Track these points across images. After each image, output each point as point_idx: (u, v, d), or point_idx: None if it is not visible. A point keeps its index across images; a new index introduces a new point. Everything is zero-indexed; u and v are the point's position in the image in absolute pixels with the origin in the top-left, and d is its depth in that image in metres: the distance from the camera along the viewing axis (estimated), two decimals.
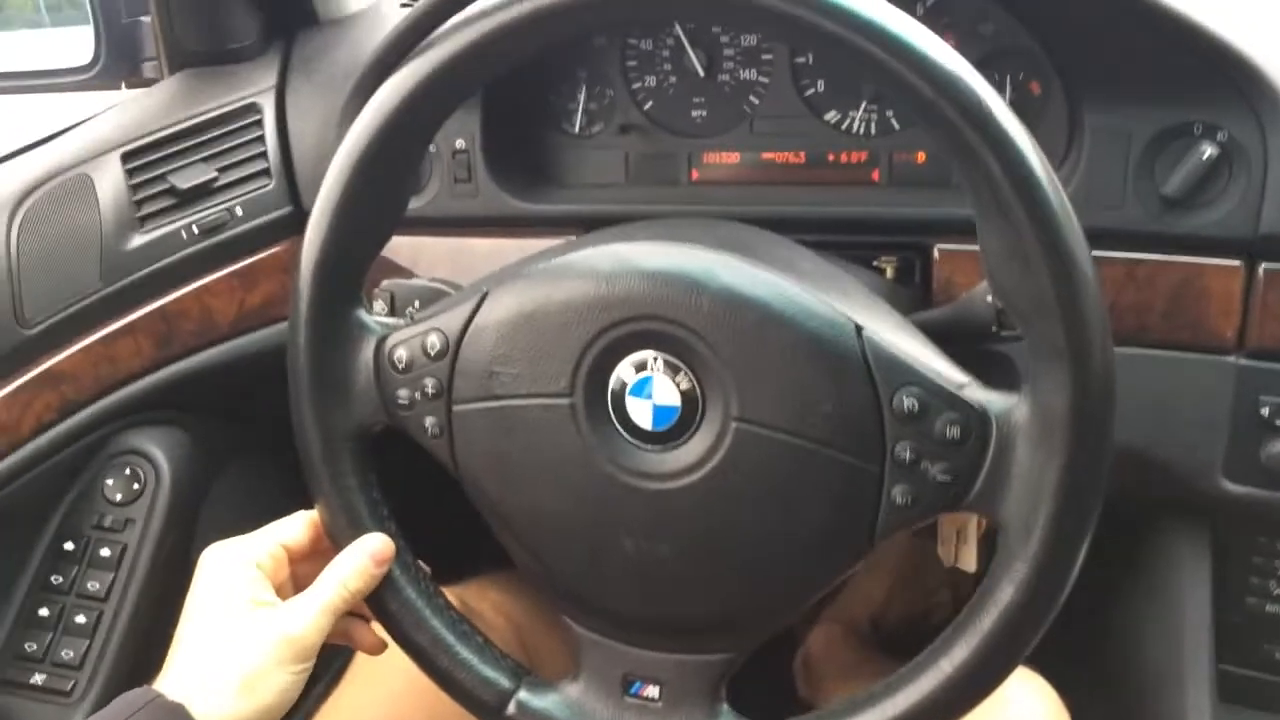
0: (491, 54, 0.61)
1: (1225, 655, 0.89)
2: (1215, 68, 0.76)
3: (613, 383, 0.62)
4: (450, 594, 0.87)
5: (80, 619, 0.96)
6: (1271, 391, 0.79)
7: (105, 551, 0.97)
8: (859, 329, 0.58)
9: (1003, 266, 0.55)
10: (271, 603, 0.65)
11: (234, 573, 0.65)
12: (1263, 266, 0.78)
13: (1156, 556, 0.92)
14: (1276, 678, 0.89)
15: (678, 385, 0.60)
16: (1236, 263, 0.79)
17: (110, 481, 0.99)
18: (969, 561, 0.91)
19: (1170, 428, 0.82)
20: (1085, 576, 0.56)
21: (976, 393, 0.57)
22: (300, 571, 0.69)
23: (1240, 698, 0.89)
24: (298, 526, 0.69)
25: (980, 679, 0.58)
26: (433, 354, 0.65)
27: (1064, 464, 0.54)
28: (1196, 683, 0.88)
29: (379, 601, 0.68)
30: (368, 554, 0.66)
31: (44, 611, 0.96)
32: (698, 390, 0.60)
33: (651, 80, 0.98)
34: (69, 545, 0.98)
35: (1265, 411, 0.79)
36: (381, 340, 0.67)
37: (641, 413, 0.61)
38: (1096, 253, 0.54)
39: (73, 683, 0.94)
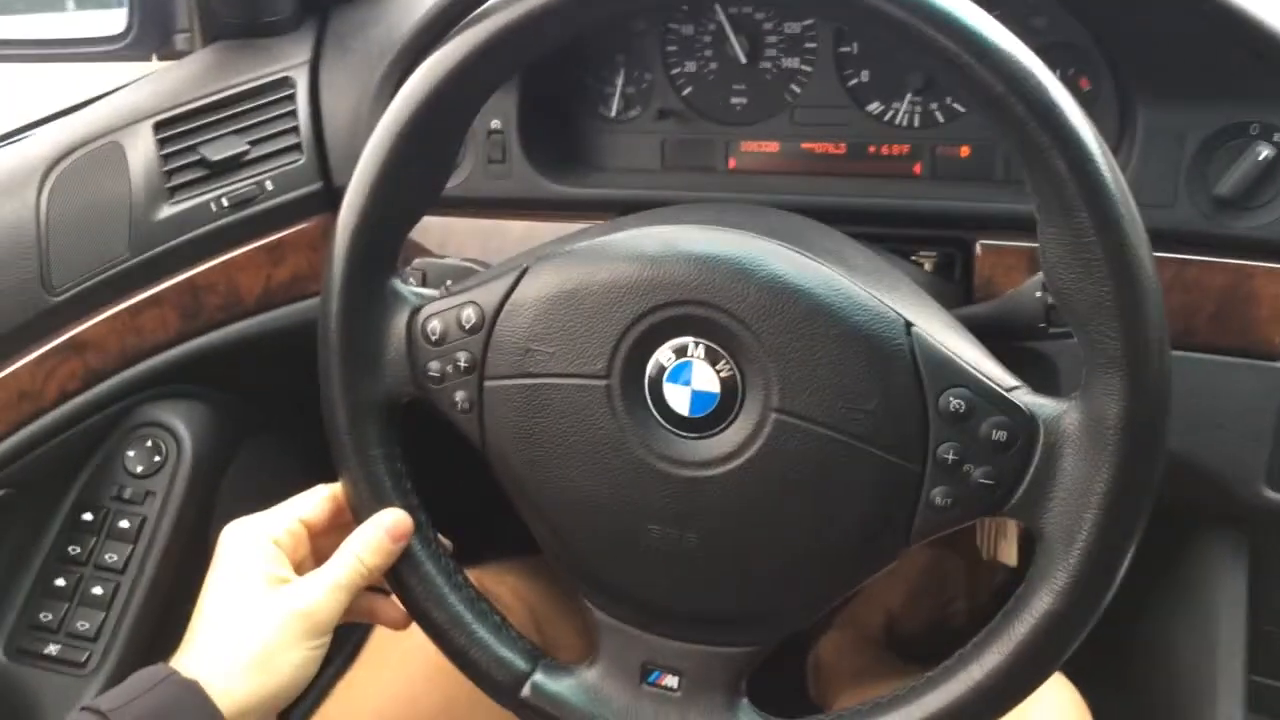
0: (537, 32, 0.60)
1: (1257, 666, 0.88)
2: (1275, 66, 0.75)
3: (651, 367, 0.61)
4: (470, 575, 0.87)
5: (97, 590, 0.95)
6: None
7: (124, 523, 0.97)
8: (909, 325, 0.58)
9: (1062, 267, 0.54)
10: (287, 579, 0.65)
11: (251, 549, 0.65)
12: None
13: (1192, 564, 0.91)
14: None
15: (718, 373, 0.60)
16: None
17: (131, 453, 0.98)
18: (1009, 556, 0.90)
19: (1213, 433, 0.81)
20: (1119, 582, 0.55)
21: (1025, 396, 0.56)
22: (321, 546, 0.68)
23: (1272, 709, 0.89)
24: (316, 501, 0.69)
25: (1010, 687, 0.57)
26: (467, 327, 0.64)
27: (1113, 474, 0.53)
28: (1228, 693, 0.87)
29: (397, 575, 0.67)
30: (384, 529, 0.66)
31: (61, 582, 0.96)
32: (738, 379, 0.59)
33: (691, 66, 0.97)
34: (88, 516, 0.97)
35: None
36: (415, 311, 0.66)
37: (679, 398, 0.60)
38: None
39: (87, 654, 0.93)
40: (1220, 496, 0.82)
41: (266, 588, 0.63)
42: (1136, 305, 0.52)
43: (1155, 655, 0.97)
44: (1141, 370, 0.52)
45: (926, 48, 0.52)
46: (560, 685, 0.66)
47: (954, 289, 0.86)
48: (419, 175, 0.65)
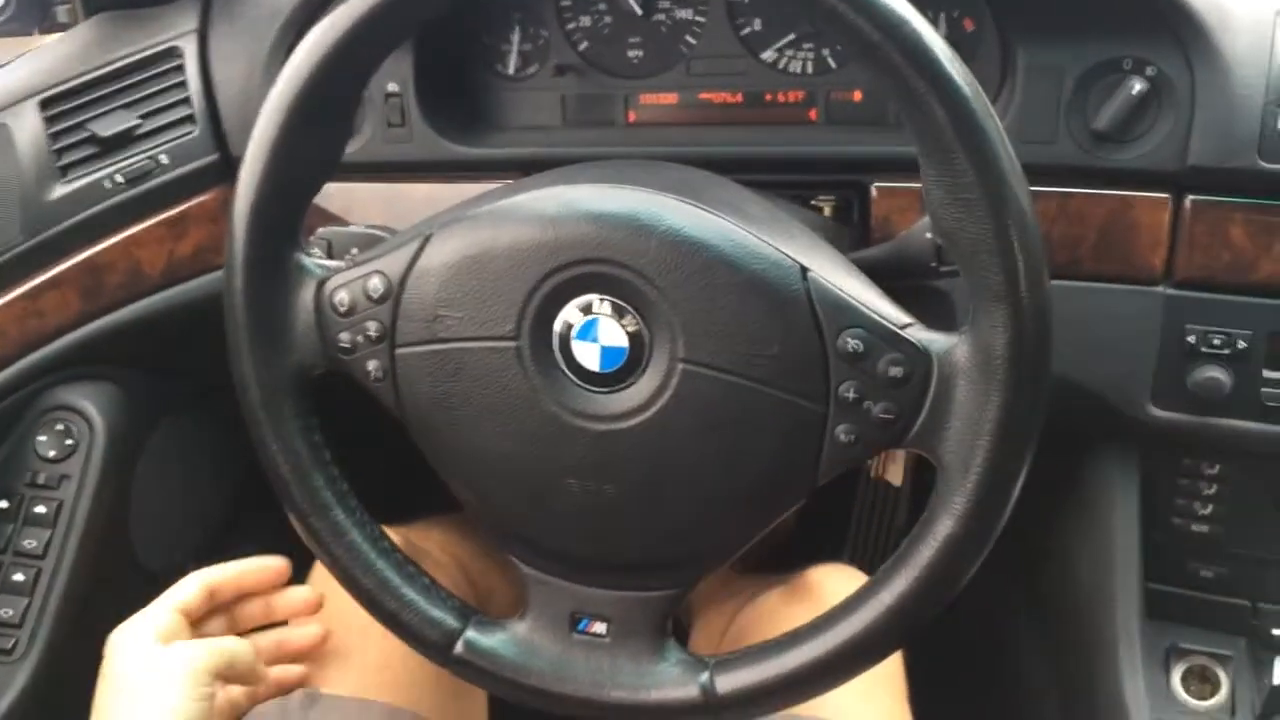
0: None
1: (1153, 574, 0.92)
2: (1144, 4, 0.78)
3: (558, 325, 0.62)
4: (396, 534, 0.87)
5: (18, 577, 0.94)
6: (1197, 320, 0.82)
7: (41, 509, 0.96)
8: (804, 271, 0.59)
9: (944, 208, 0.55)
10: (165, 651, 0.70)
11: (135, 643, 0.70)
12: (1189, 199, 0.80)
13: (1088, 480, 0.95)
14: (1200, 593, 0.93)
15: (624, 328, 0.61)
16: (1164, 195, 0.81)
17: (43, 438, 0.97)
18: (896, 476, 0.94)
19: (1101, 357, 0.84)
20: (1019, 501, 0.58)
21: (918, 333, 0.58)
22: (201, 632, 0.74)
23: (1166, 614, 0.93)
24: (191, 590, 0.74)
25: (919, 609, 0.59)
26: (375, 297, 0.64)
27: (1001, 402, 0.55)
28: (1126, 600, 0.91)
29: (323, 547, 0.68)
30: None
31: None
32: (644, 332, 0.61)
33: (586, 20, 0.97)
34: (3, 503, 0.96)
35: (1191, 339, 0.82)
36: (321, 283, 0.66)
37: (588, 355, 0.61)
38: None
39: (14, 641, 0.93)
40: (1111, 416, 0.85)
41: (155, 661, 0.69)
42: (1015, 241, 0.53)
43: (1060, 569, 1.01)
44: (1023, 302, 0.54)
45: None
46: (492, 640, 0.67)
47: (852, 231, 0.88)
48: (315, 145, 0.64)
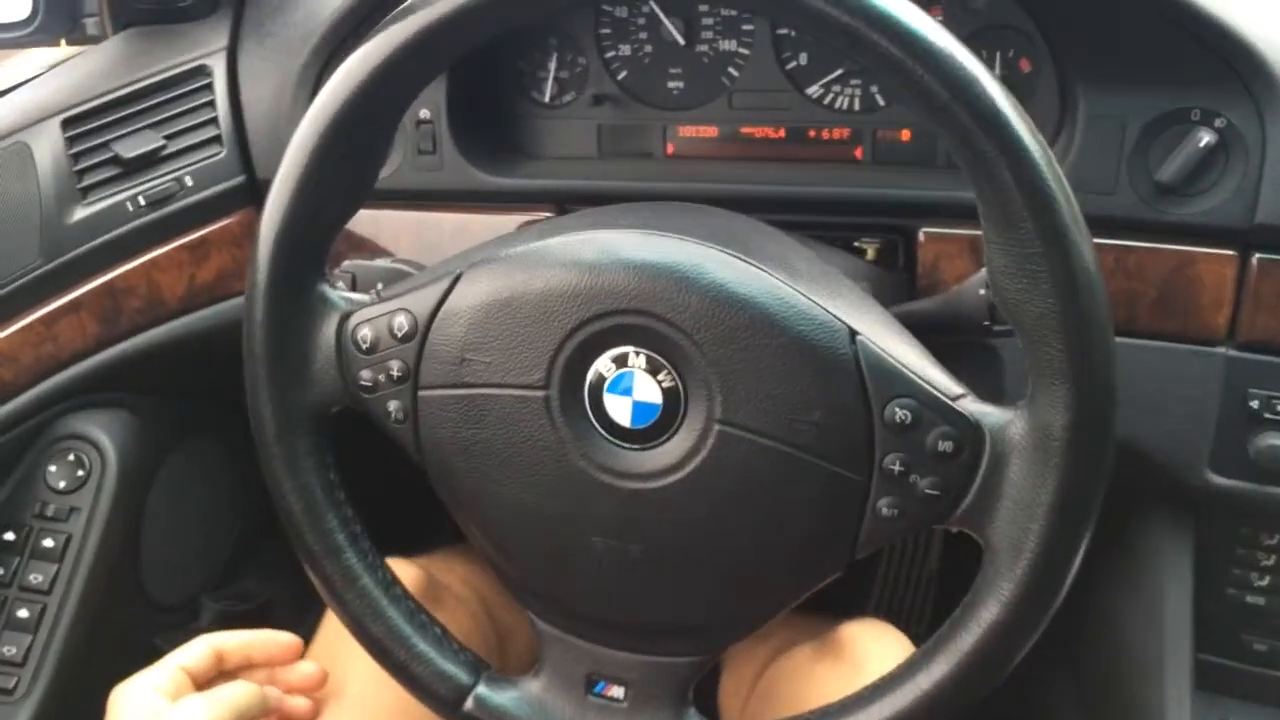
0: (471, 26, 0.57)
1: (1204, 645, 0.89)
2: (1216, 52, 0.74)
3: (590, 377, 0.59)
4: (416, 566, 0.85)
5: (22, 613, 0.92)
6: (1260, 384, 0.78)
7: (48, 542, 0.94)
8: (853, 334, 0.56)
9: (1007, 277, 0.53)
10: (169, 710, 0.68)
11: (139, 699, 0.67)
12: (1256, 257, 0.77)
13: (1139, 546, 0.91)
14: (1254, 667, 0.89)
15: (659, 383, 0.58)
16: (1230, 252, 0.77)
17: (53, 468, 0.95)
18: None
19: (1157, 419, 0.81)
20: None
21: (971, 405, 0.56)
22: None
23: (1217, 687, 0.90)
24: (197, 652, 0.72)
25: (958, 696, 0.57)
26: (400, 335, 0.62)
27: (1059, 485, 0.53)
28: (1176, 672, 0.88)
29: (333, 592, 0.66)
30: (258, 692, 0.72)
31: None
32: (680, 389, 0.58)
33: (626, 49, 0.94)
34: (9, 536, 0.94)
35: (1254, 404, 0.78)
36: (345, 317, 0.64)
37: (620, 409, 0.59)
38: None
39: (15, 680, 0.91)
40: (1165, 480, 0.82)
41: (168, 703, 0.67)
42: (1082, 319, 0.51)
43: (1104, 634, 0.98)
44: (1087, 383, 0.52)
45: (870, 52, 0.51)
46: (503, 698, 0.65)
47: (896, 278, 0.85)
48: (347, 172, 0.62)
